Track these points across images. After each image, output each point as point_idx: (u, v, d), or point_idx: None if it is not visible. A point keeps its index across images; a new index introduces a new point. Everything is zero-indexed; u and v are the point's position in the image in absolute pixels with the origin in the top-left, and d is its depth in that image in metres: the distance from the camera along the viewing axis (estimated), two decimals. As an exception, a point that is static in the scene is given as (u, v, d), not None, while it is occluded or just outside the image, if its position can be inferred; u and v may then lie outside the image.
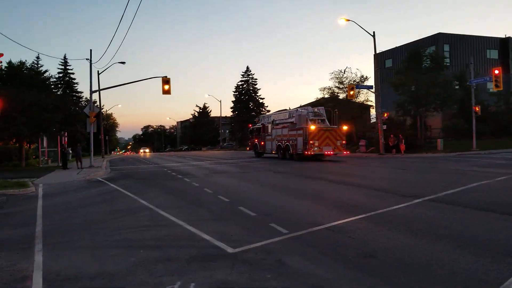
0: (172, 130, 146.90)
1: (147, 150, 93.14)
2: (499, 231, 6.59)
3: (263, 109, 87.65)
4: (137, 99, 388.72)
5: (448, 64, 42.71)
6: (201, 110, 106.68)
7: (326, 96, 45.35)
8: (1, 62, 19.95)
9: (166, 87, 24.94)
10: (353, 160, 27.29)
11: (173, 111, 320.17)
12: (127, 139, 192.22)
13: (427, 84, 34.41)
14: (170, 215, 8.68)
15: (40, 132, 28.15)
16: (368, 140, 39.30)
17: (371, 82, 42.23)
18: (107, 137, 66.36)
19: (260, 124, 34.23)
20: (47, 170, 23.90)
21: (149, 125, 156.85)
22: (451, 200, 9.43)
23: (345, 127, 27.79)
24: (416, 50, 37.95)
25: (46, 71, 38.45)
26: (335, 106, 42.71)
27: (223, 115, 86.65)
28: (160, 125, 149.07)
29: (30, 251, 6.21)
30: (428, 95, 34.66)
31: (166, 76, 25.04)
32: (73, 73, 66.86)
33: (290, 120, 28.83)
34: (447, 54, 46.78)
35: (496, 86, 28.85)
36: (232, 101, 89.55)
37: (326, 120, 28.14)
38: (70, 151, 31.10)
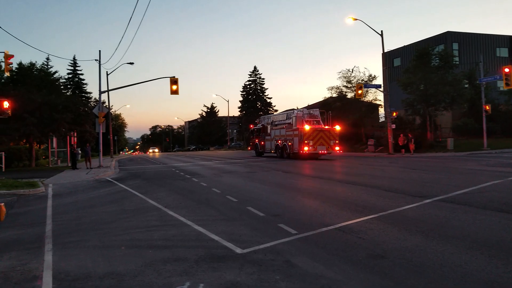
0: (180, 130, 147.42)
1: (156, 150, 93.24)
2: (512, 232, 6.47)
3: (271, 109, 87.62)
4: (145, 99, 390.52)
5: (457, 62, 42.31)
6: (208, 110, 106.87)
7: (334, 95, 45.19)
8: (11, 63, 20.23)
9: (174, 87, 25.01)
10: (361, 159, 27.14)
11: (181, 111, 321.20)
12: (135, 139, 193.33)
13: (436, 83, 34.10)
14: (178, 215, 8.69)
15: (50, 132, 28.41)
16: (376, 139, 39.07)
17: (379, 81, 41.97)
18: (115, 137, 66.73)
19: (260, 125, 35.78)
20: (57, 170, 24.10)
21: (157, 125, 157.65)
22: (463, 200, 9.31)
23: (338, 128, 28.89)
24: (424, 49, 37.58)
25: (55, 72, 38.68)
26: (343, 106, 42.75)
27: (230, 114, 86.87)
28: (168, 125, 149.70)
29: (40, 251, 6.25)
30: (437, 94, 34.34)
31: (174, 77, 25.13)
32: (82, 74, 67.28)
33: (287, 121, 30.39)
34: (456, 53, 46.30)
35: (507, 84, 28.47)
36: (239, 101, 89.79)
37: (321, 121, 29.61)
38: (80, 151, 31.32)
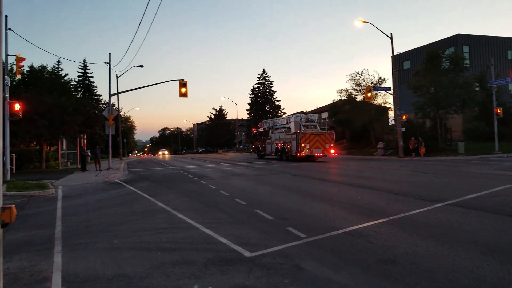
0: (189, 133, 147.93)
1: (166, 152, 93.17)
2: (525, 237, 6.37)
3: (279, 112, 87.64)
4: (154, 101, 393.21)
5: (467, 65, 41.91)
6: (217, 113, 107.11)
7: (343, 98, 45.02)
8: (23, 66, 20.48)
9: (183, 90, 25.11)
10: (371, 163, 27.00)
11: (189, 114, 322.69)
12: (144, 141, 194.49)
13: (446, 86, 33.81)
14: (187, 217, 8.70)
15: (60, 134, 28.67)
16: (386, 142, 38.83)
17: (389, 84, 41.83)
18: (125, 139, 67.24)
19: (262, 128, 37.80)
20: (67, 172, 24.31)
21: (166, 128, 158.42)
22: (474, 205, 9.19)
23: (332, 132, 31.07)
24: (435, 51, 37.30)
25: (66, 74, 38.98)
26: (353, 108, 42.58)
27: (239, 117, 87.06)
28: (177, 128, 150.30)
29: (49, 252, 6.29)
30: (448, 97, 34.05)
31: (183, 79, 25.23)
32: (92, 77, 68.10)
33: (287, 125, 32.28)
34: (466, 55, 45.88)
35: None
36: (248, 104, 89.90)
37: (318, 126, 31.80)
38: (89, 153, 31.57)
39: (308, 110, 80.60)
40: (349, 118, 43.22)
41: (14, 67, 20.94)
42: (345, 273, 4.92)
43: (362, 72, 43.39)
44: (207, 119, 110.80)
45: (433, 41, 50.44)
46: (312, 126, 31.07)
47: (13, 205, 3.46)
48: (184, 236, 7.06)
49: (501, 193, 11.01)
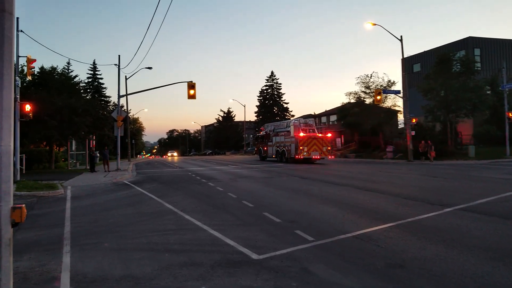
0: (197, 135, 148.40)
1: (175, 154, 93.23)
2: (537, 243, 6.29)
3: (287, 114, 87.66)
4: (162, 103, 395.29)
5: (479, 68, 41.53)
6: (225, 115, 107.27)
7: (352, 100, 44.88)
8: (33, 67, 20.74)
9: (192, 92, 25.23)
10: (380, 166, 26.85)
11: (197, 116, 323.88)
12: (152, 143, 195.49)
13: (457, 89, 33.55)
14: (194, 219, 8.73)
15: (70, 135, 28.95)
16: (395, 146, 38.61)
17: (398, 87, 41.49)
18: (133, 140, 67.62)
19: (264, 132, 39.59)
20: (76, 173, 24.52)
21: (174, 129, 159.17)
22: (485, 210, 9.10)
23: (329, 135, 32.89)
24: (445, 54, 37.03)
25: (76, 76, 39.31)
26: (362, 111, 42.42)
27: (247, 119, 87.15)
28: (185, 129, 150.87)
29: (58, 252, 6.35)
30: (458, 100, 33.78)
31: (191, 81, 25.36)
32: (101, 78, 68.54)
33: (286, 129, 34.05)
34: (477, 59, 45.47)
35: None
36: (256, 106, 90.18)
37: (315, 130, 33.34)
38: (98, 154, 31.81)
39: (316, 113, 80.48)
40: (358, 121, 43.06)
41: (25, 68, 21.27)
42: (353, 277, 4.90)
43: (371, 74, 43.24)
44: (215, 121, 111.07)
45: (444, 44, 50.07)
46: (311, 130, 32.62)
47: (23, 205, 3.51)
48: (191, 238, 7.08)
49: (511, 198, 10.89)
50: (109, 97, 68.07)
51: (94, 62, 66.80)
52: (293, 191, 13.81)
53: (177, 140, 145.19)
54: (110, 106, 63.83)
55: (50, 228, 8.52)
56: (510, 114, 32.71)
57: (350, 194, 12.49)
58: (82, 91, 42.90)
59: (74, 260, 5.88)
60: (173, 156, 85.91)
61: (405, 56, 35.56)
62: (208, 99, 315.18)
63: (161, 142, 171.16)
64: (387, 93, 39.70)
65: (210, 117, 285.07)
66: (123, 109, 43.39)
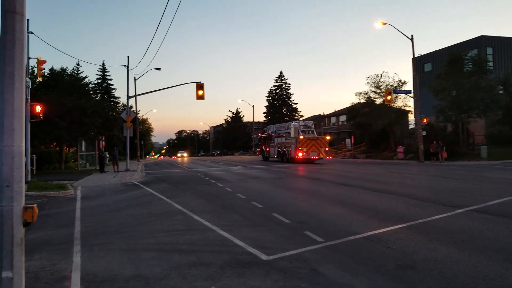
0: (205, 135, 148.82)
1: (185, 154, 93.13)
2: (551, 245, 6.21)
3: (296, 114, 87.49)
4: (171, 104, 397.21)
5: (491, 68, 41.01)
6: (233, 115, 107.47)
7: (362, 101, 44.64)
8: (44, 69, 21.02)
9: (200, 92, 25.33)
10: (390, 167, 26.70)
11: (206, 116, 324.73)
12: (161, 143, 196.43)
13: (469, 89, 33.18)
14: (203, 219, 8.77)
15: (79, 136, 29.22)
16: (406, 146, 38.33)
17: (409, 86, 41.16)
18: (142, 141, 68.00)
19: (267, 133, 41.44)
20: (85, 173, 24.75)
21: (183, 130, 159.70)
22: (497, 211, 9.01)
23: (327, 137, 35.19)
24: (457, 54, 36.65)
25: (85, 77, 39.83)
26: (372, 111, 42.19)
27: (255, 120, 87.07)
28: (194, 130, 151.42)
29: (69, 252, 6.43)
30: (470, 100, 33.40)
31: (200, 82, 25.46)
32: (111, 79, 69.53)
33: (287, 131, 35.64)
34: (490, 58, 44.89)
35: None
36: (265, 106, 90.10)
37: (315, 132, 35.22)
38: (107, 155, 32.10)
39: (325, 113, 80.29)
40: (368, 121, 42.79)
41: (35, 69, 21.52)
42: (364, 278, 4.89)
43: (381, 74, 42.96)
44: (224, 121, 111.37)
45: (456, 43, 49.60)
46: (310, 132, 34.40)
47: (35, 205, 3.57)
48: (200, 238, 7.11)
49: (526, 199, 10.75)
50: (118, 98, 68.80)
51: (103, 63, 67.59)
52: (302, 192, 13.81)
53: (186, 140, 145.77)
54: (119, 107, 64.35)
55: (61, 228, 8.62)
56: (524, 114, 32.27)
57: (360, 195, 12.44)
58: (91, 92, 43.40)
59: (84, 260, 5.95)
60: (183, 156, 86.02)
61: (416, 55, 35.28)
62: (217, 100, 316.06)
63: (169, 142, 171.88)
64: (398, 93, 39.41)
65: (219, 117, 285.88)
66: (132, 109, 43.72)
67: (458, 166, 26.19)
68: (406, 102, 43.32)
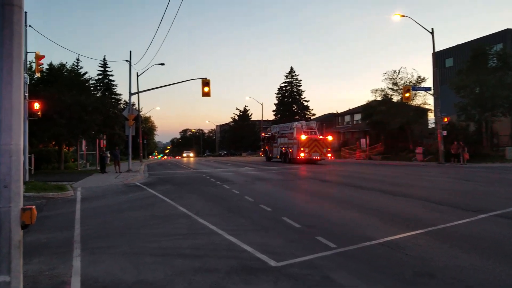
0: (211, 134, 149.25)
1: (191, 154, 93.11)
2: None
3: (308, 113, 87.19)
4: (175, 101, 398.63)
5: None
6: (241, 114, 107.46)
7: (379, 98, 44.43)
8: (42, 64, 21.22)
9: (206, 89, 25.41)
10: (408, 169, 26.54)
11: (212, 115, 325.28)
12: (165, 142, 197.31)
13: (493, 86, 32.85)
14: (209, 223, 8.80)
15: (79, 134, 29.45)
16: (425, 147, 38.08)
17: (429, 83, 41.10)
18: (145, 140, 68.43)
19: (270, 133, 43.03)
20: (85, 174, 24.95)
21: (188, 129, 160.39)
22: (523, 216, 8.91)
23: (330, 138, 36.38)
24: (480, 48, 36.30)
25: (85, 73, 40.11)
26: (389, 110, 41.98)
27: (264, 118, 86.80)
28: (199, 129, 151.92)
29: (68, 256, 6.49)
30: (494, 98, 33.07)
31: (206, 78, 25.54)
32: (112, 75, 69.53)
33: (290, 131, 37.00)
34: (516, 52, 44.40)
35: None
36: (274, 104, 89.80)
37: (317, 132, 36.72)
38: (108, 155, 32.32)
39: (339, 112, 79.98)
40: (385, 120, 42.57)
41: (34, 65, 21.71)
42: (380, 286, 4.87)
43: (399, 70, 42.72)
44: (231, 120, 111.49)
45: (479, 37, 49.11)
46: (313, 132, 35.93)
47: (33, 206, 3.61)
48: (206, 243, 7.14)
49: (554, 204, 10.62)
50: (120, 94, 69.16)
51: (104, 58, 67.89)
52: (314, 194, 13.78)
53: (191, 140, 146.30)
54: (121, 104, 64.78)
55: (60, 230, 8.71)
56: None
57: (376, 198, 12.39)
58: (92, 88, 43.79)
59: (84, 264, 6.00)
60: (189, 156, 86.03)
61: (436, 50, 35.01)
62: (223, 97, 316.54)
63: (174, 142, 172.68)
64: (417, 90, 39.18)
65: (226, 116, 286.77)
66: (134, 107, 43.96)
67: (481, 168, 25.94)
68: (426, 99, 43.01)
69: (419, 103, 43.30)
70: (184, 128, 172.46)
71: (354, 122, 67.85)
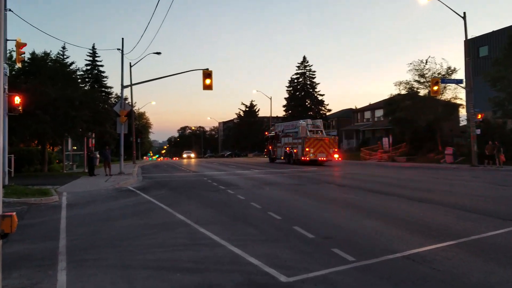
0: (213, 133, 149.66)
1: (192, 155, 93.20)
2: None
3: (323, 108, 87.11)
4: (173, 96, 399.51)
5: None
6: (247, 109, 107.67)
7: (403, 92, 44.33)
8: (24, 53, 21.31)
9: (208, 81, 25.44)
10: (437, 172, 26.42)
11: (214, 111, 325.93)
12: (161, 142, 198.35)
13: (535, 78, 32.61)
14: (210, 232, 8.81)
15: (65, 132, 29.59)
16: (456, 147, 37.90)
17: (460, 75, 40.85)
18: (139, 139, 68.68)
19: (274, 132, 44.82)
20: (72, 177, 25.09)
21: (187, 126, 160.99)
22: None
23: (336, 137, 39.41)
24: (520, 35, 36.03)
25: (72, 63, 40.21)
26: (415, 105, 41.83)
27: (273, 115, 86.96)
28: (199, 126, 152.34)
29: (53, 269, 6.52)
30: (536, 92, 32.83)
31: (207, 69, 25.57)
32: (102, 66, 69.79)
33: (295, 130, 38.84)
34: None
35: None
36: (285, 98, 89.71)
37: (323, 131, 38.91)
38: (98, 155, 32.47)
39: (358, 107, 79.81)
40: (410, 117, 42.42)
41: (14, 54, 21.83)
42: (403, 306, 4.85)
43: (427, 60, 42.57)
44: (235, 116, 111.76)
45: (518, 22, 48.68)
46: (319, 132, 38.04)
47: (14, 213, 3.63)
48: (207, 255, 7.15)
49: None
50: (110, 87, 69.58)
51: (93, 47, 68.27)
52: (329, 201, 13.76)
53: (190, 139, 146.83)
54: (112, 99, 65.14)
55: (43, 240, 8.75)
56: None
57: (400, 205, 12.35)
58: (79, 80, 43.89)
59: (70, 279, 6.03)
60: (189, 157, 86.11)
61: (469, 37, 34.80)
62: (227, 91, 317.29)
63: (171, 141, 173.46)
64: (446, 83, 38.99)
65: (230, 112, 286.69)
66: (127, 102, 44.19)
67: (520, 171, 25.75)
68: (457, 93, 42.89)
69: (449, 97, 43.16)
70: (183, 125, 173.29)
71: (375, 119, 67.70)
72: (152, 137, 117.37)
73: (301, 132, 36.98)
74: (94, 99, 33.89)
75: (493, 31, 52.92)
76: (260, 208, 12.03)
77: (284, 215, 10.75)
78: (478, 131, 32.09)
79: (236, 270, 6.24)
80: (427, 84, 40.27)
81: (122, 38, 32.53)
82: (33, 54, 33.01)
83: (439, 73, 40.94)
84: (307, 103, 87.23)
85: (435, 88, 32.97)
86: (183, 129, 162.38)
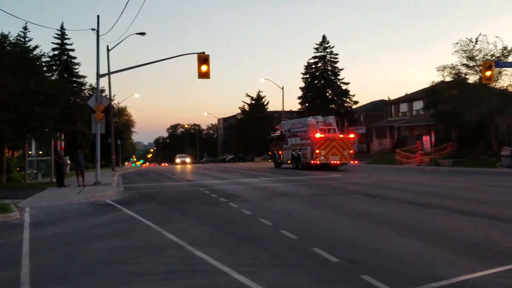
0: (211, 132, 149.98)
1: (188, 160, 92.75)
2: None
3: (348, 100, 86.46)
4: (161, 86, 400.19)
5: None
6: (253, 102, 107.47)
7: (448, 79, 44.14)
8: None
9: (204, 68, 25.45)
10: (491, 178, 26.29)
11: (213, 104, 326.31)
12: (146, 144, 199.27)
13: None
14: (209, 256, 8.79)
15: (28, 133, 29.63)
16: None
17: (520, 56, 40.45)
18: (119, 141, 68.89)
19: (279, 132, 45.84)
20: (37, 188, 25.14)
21: (178, 124, 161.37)
22: None
23: (352, 135, 39.11)
24: None
25: (36, 46, 40.34)
26: (462, 94, 41.67)
27: (286, 109, 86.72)
28: (194, 124, 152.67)
29: (13, 303, 6.54)
30: None
31: (203, 53, 25.56)
32: (73, 50, 69.79)
33: (303, 128, 39.59)
34: None
35: None
36: (300, 88, 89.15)
37: (336, 130, 39.13)
38: (68, 161, 32.57)
39: (391, 98, 79.58)
40: (457, 110, 42.24)
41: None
42: None
43: (477, 39, 42.40)
44: (239, 111, 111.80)
45: None
46: (331, 130, 38.56)
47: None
48: (206, 284, 7.14)
49: None
50: (84, 77, 69.55)
51: (62, 27, 68.28)
52: (356, 215, 13.72)
53: (183, 139, 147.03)
54: (86, 91, 65.29)
55: (1, 269, 8.76)
56: None
57: (446, 220, 12.30)
58: (45, 68, 44.04)
59: (36, 315, 6.04)
60: (184, 162, 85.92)
61: (530, 8, 34.63)
62: (229, 80, 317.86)
63: (159, 143, 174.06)
64: (503, 67, 38.85)
65: (232, 106, 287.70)
66: (104, 94, 44.33)
67: None
68: (515, 80, 42.65)
69: (505, 85, 42.96)
70: (174, 123, 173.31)
71: (414, 113, 67.40)
72: (135, 138, 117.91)
73: (310, 130, 37.39)
74: (63, 91, 33.96)
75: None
76: (271, 225, 12.02)
77: (300, 233, 10.72)
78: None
79: (241, 304, 6.24)
80: (478, 69, 40.12)
81: (98, 16, 32.57)
82: (-15, 36, 33.11)
83: (492, 55, 40.77)
84: (328, 94, 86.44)
85: (488, 73, 32.78)
86: (174, 127, 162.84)
